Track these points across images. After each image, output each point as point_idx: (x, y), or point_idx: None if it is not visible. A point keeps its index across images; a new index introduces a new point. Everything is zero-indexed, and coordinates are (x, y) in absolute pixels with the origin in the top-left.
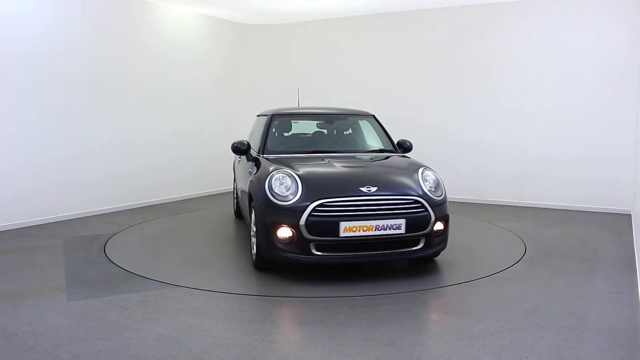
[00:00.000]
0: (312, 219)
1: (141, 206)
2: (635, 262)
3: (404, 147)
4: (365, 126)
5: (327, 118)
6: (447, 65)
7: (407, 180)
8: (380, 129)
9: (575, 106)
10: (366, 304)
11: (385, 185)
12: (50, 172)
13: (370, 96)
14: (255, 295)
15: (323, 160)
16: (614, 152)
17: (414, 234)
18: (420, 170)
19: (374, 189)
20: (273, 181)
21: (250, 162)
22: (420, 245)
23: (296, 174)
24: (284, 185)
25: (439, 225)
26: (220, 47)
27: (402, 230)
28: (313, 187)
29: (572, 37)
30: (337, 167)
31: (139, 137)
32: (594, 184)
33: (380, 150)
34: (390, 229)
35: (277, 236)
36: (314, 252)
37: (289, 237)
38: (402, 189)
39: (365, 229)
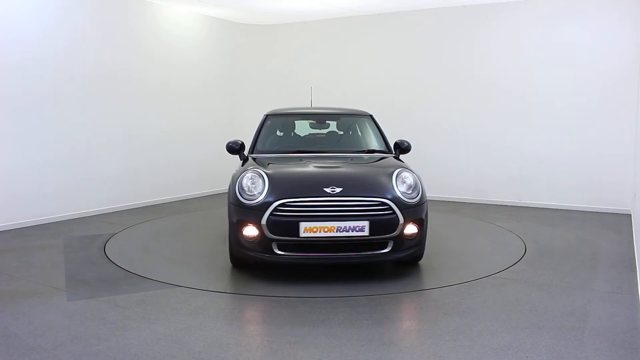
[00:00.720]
0: (273, 218)
1: (141, 206)
2: (635, 262)
3: (401, 147)
4: (361, 126)
5: (322, 118)
6: (447, 65)
7: (377, 182)
8: (376, 129)
9: (575, 106)
10: (366, 304)
11: (351, 187)
12: (50, 172)
13: (371, 96)
14: (255, 295)
15: (301, 160)
16: (614, 152)
17: (379, 236)
18: (397, 171)
19: (338, 189)
20: (245, 180)
21: (241, 162)
22: (388, 249)
23: (265, 174)
24: (254, 185)
25: (411, 229)
26: (220, 47)
27: (366, 233)
28: (277, 186)
29: (573, 36)
30: (309, 167)
31: (139, 137)
32: (594, 184)
33: (371, 151)
34: (352, 231)
35: (243, 235)
36: (276, 251)
37: (255, 236)
38: (368, 191)
39: (326, 230)
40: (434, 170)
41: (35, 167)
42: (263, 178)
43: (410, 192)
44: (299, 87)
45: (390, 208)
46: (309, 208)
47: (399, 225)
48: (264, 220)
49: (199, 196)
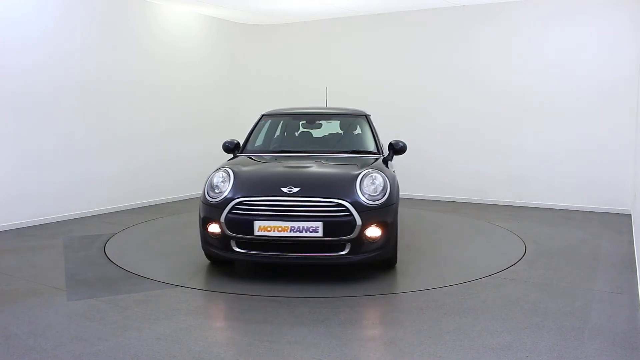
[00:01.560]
0: (230, 216)
1: (141, 206)
2: (635, 262)
3: (395, 148)
4: (354, 126)
5: (314, 118)
6: (447, 65)
7: (337, 183)
8: (369, 129)
9: (575, 106)
10: (366, 304)
11: (308, 187)
12: (50, 172)
13: (371, 95)
14: (255, 295)
15: (276, 160)
16: (614, 152)
17: (335, 238)
18: (364, 172)
19: (295, 190)
20: (215, 178)
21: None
22: (346, 251)
23: (232, 172)
24: (224, 183)
25: (373, 232)
26: (220, 47)
27: (320, 234)
28: (239, 185)
29: (574, 36)
30: (278, 167)
31: (138, 137)
32: (594, 184)
33: (357, 152)
34: (306, 232)
35: (208, 231)
36: (235, 248)
37: (217, 233)
38: (325, 192)
39: (280, 229)
40: (434, 170)
41: (35, 167)
42: (230, 176)
43: (375, 194)
44: (299, 87)
45: (347, 210)
46: (263, 207)
47: (357, 228)
48: (222, 218)
49: (199, 196)
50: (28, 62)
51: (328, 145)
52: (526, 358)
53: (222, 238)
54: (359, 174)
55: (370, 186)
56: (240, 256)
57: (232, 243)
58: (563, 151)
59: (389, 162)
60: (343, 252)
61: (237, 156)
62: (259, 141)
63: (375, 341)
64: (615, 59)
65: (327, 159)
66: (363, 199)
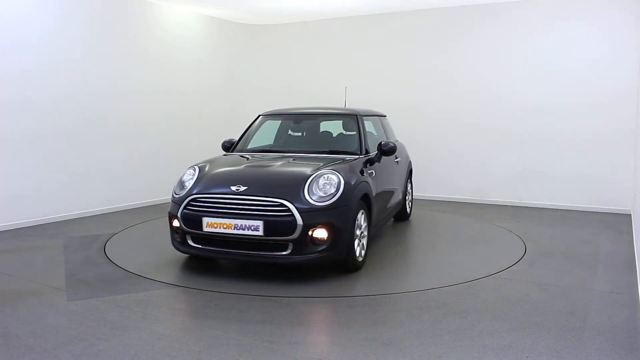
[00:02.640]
0: (185, 212)
1: (141, 206)
2: (635, 262)
3: (383, 149)
4: (345, 126)
5: (310, 119)
6: (447, 65)
7: (285, 183)
8: (358, 129)
9: (575, 106)
10: (366, 304)
11: (255, 186)
12: (50, 172)
13: (371, 95)
14: (255, 295)
15: (248, 159)
16: (614, 152)
17: (276, 237)
18: (317, 173)
19: (243, 188)
20: (185, 175)
21: None
22: (288, 251)
23: (198, 170)
24: (192, 179)
25: (319, 233)
26: (220, 47)
27: (260, 233)
28: (199, 182)
29: (574, 37)
30: (239, 165)
31: (139, 137)
32: (594, 184)
33: (334, 152)
34: (248, 230)
35: (172, 226)
36: (190, 243)
37: (178, 227)
38: (269, 191)
39: (225, 226)
40: (435, 170)
41: (35, 167)
42: (195, 174)
43: (325, 195)
44: (299, 87)
45: (289, 210)
46: (210, 204)
47: (299, 228)
48: (179, 213)
49: None
50: (27, 63)
51: (312, 145)
52: (526, 358)
53: (180, 233)
54: (312, 174)
55: (322, 187)
56: (195, 251)
57: (189, 238)
58: (563, 151)
59: (376, 162)
60: (285, 252)
61: (226, 155)
62: (252, 141)
63: (375, 341)
64: (616, 59)
65: (294, 158)
66: (310, 199)
